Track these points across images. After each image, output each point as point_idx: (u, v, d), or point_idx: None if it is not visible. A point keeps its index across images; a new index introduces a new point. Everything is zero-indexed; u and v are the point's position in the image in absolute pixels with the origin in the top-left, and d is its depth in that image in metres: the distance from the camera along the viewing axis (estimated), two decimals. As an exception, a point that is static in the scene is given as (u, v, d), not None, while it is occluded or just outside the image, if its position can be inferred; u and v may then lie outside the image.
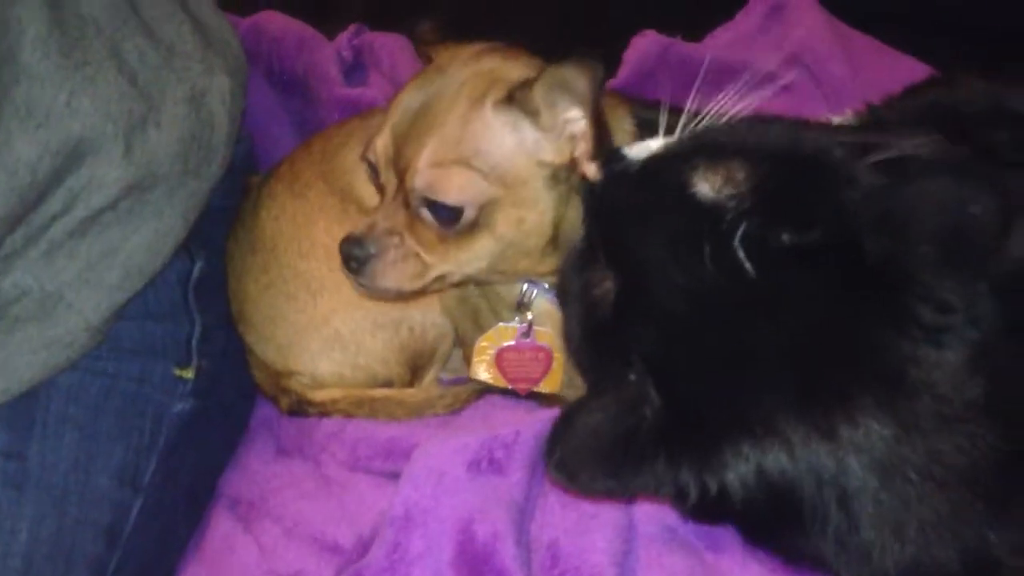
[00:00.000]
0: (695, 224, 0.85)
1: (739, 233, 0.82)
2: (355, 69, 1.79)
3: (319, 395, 1.33)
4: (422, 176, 1.10)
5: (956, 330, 0.80)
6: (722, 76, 1.68)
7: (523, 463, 1.14)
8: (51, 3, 1.10)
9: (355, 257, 1.13)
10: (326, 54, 1.71)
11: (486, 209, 1.11)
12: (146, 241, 1.20)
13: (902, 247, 0.80)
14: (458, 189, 1.09)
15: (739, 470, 0.81)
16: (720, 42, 1.76)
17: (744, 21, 1.78)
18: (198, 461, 1.34)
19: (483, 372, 1.23)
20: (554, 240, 1.15)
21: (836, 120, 1.29)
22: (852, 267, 0.81)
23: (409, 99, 1.13)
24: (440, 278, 1.17)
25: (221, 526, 1.32)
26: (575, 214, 1.12)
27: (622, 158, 0.96)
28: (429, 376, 1.37)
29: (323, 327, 1.30)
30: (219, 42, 1.38)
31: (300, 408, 1.33)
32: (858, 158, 0.86)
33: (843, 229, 0.82)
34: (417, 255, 1.14)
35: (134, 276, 1.20)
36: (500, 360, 1.21)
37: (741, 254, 0.82)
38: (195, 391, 1.30)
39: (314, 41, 1.73)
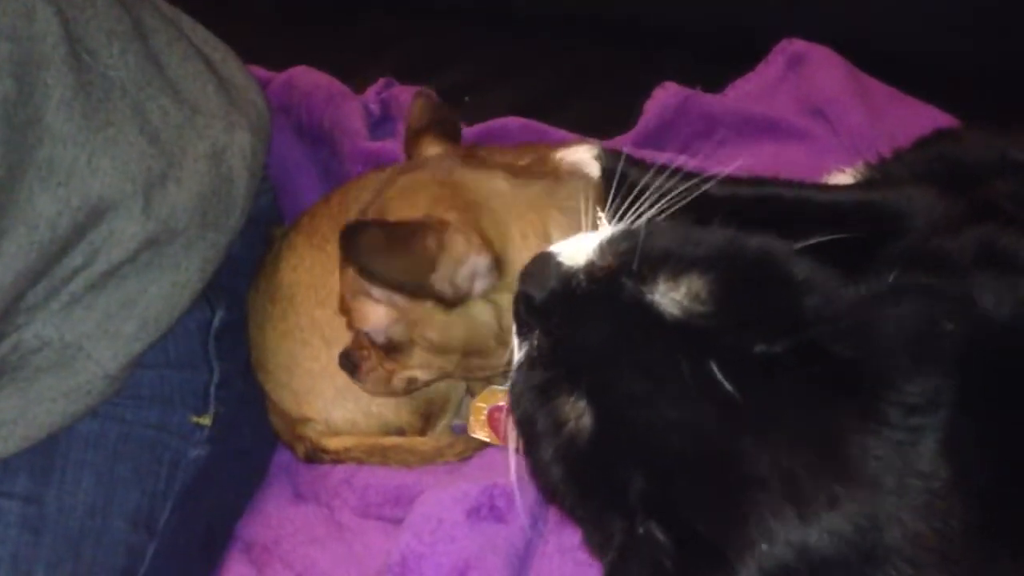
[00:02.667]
0: (668, 350, 0.83)
1: (714, 353, 0.82)
2: (384, 121, 1.83)
3: (333, 442, 1.35)
4: (344, 304, 1.21)
5: (923, 427, 0.82)
6: (741, 127, 1.72)
7: (524, 511, 1.15)
8: (77, 67, 1.14)
9: (346, 366, 1.26)
10: (352, 108, 1.76)
11: (399, 328, 1.19)
12: (163, 293, 1.24)
13: (874, 356, 0.81)
14: (363, 316, 1.20)
15: None
16: (740, 93, 1.78)
17: (765, 72, 1.79)
18: (213, 506, 1.36)
19: (479, 431, 1.27)
20: (503, 333, 1.16)
21: (836, 178, 1.30)
22: (821, 370, 0.81)
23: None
24: (412, 381, 1.25)
25: (235, 569, 1.35)
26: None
27: (558, 265, 0.91)
28: (441, 424, 1.38)
29: (336, 375, 1.32)
30: (243, 100, 1.41)
31: (315, 455, 1.36)
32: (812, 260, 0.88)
33: (808, 335, 0.83)
34: (382, 366, 1.23)
35: (151, 326, 1.24)
36: (492, 420, 1.25)
37: (719, 375, 0.81)
38: (212, 437, 1.33)
39: (341, 95, 1.78)
